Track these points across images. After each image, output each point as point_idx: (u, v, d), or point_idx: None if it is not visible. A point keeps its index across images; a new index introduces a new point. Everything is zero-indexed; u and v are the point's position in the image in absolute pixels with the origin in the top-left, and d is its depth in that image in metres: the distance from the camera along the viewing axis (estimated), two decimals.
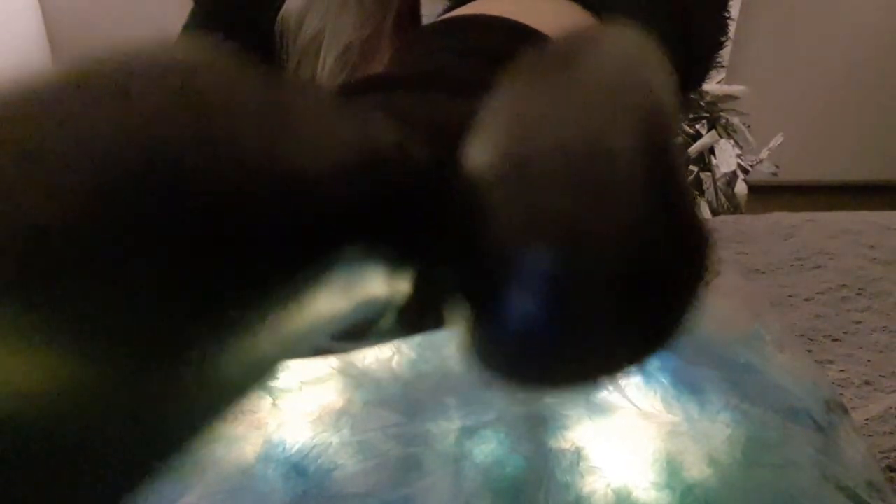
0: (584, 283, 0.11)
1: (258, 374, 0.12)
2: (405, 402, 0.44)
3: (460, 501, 0.38)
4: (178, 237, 0.10)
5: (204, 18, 0.63)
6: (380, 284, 0.14)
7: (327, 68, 0.59)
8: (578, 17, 0.28)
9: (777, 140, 1.41)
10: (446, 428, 0.42)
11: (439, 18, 0.26)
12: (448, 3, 0.31)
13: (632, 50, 0.15)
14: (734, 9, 1.90)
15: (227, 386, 0.12)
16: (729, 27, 0.42)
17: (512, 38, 0.23)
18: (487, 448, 0.41)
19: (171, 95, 0.10)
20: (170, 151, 0.10)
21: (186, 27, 0.64)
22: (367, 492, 0.39)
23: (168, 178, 0.10)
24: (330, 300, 0.12)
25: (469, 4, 0.28)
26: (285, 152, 0.11)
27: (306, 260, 0.12)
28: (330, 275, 0.12)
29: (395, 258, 0.14)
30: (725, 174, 1.29)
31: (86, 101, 0.10)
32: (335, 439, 0.42)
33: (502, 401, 0.44)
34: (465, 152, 0.13)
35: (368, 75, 0.20)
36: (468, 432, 0.42)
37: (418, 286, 0.15)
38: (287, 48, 0.61)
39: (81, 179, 0.09)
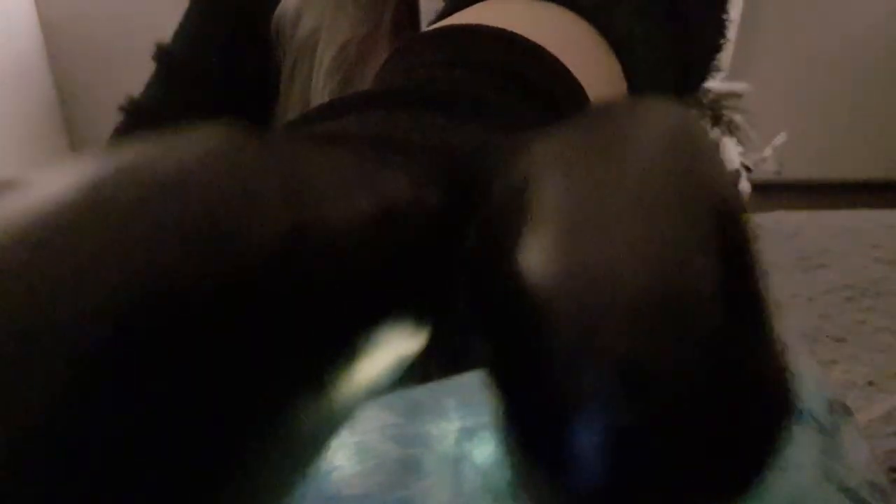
0: (660, 435, 0.10)
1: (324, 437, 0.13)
2: (404, 402, 0.44)
3: (459, 503, 0.38)
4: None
5: (200, 17, 0.63)
6: (411, 339, 0.13)
7: (324, 67, 0.59)
8: (577, 28, 0.27)
9: (780, 138, 1.41)
10: (445, 429, 0.42)
11: (433, 27, 0.25)
12: (445, 5, 0.29)
13: (684, 133, 0.13)
14: (737, 7, 1.89)
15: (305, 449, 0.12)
16: (728, 29, 0.41)
17: (510, 51, 0.22)
18: (487, 449, 0.41)
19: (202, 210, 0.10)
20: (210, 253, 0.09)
21: (183, 26, 0.64)
22: (365, 493, 0.39)
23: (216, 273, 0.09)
24: (374, 363, 0.12)
25: (464, 11, 0.27)
26: (313, 231, 0.11)
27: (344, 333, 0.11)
28: (371, 342, 0.12)
29: (421, 312, 0.13)
30: (728, 173, 1.29)
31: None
32: (333, 441, 0.42)
33: None
34: (514, 253, 0.11)
35: (360, 91, 0.18)
36: (467, 433, 0.42)
37: (443, 333, 0.14)
38: (283, 47, 0.61)
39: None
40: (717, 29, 0.40)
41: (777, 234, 0.70)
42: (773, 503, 0.38)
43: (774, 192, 1.73)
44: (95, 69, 2.10)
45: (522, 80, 0.21)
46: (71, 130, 2.18)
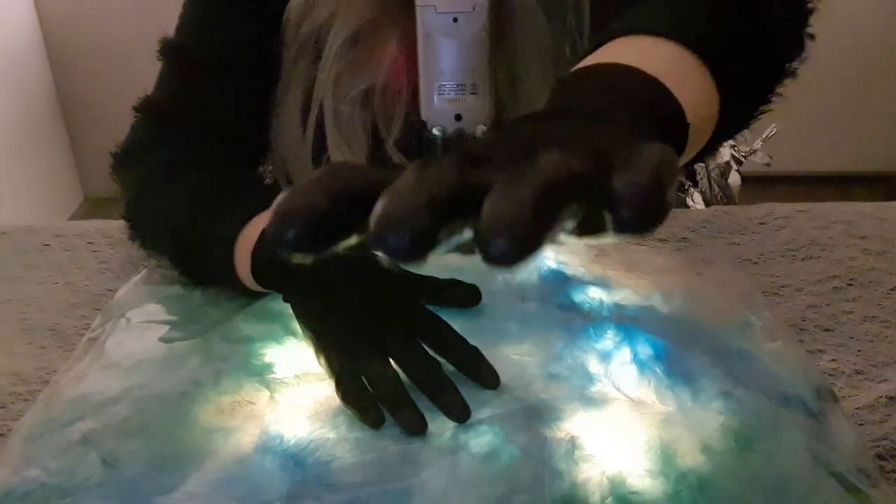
0: None
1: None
2: None
3: (457, 490, 0.39)
4: None
5: (208, 10, 0.63)
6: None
7: (333, 51, 0.59)
8: (683, 60, 0.36)
9: (770, 131, 1.42)
10: (442, 425, 0.42)
11: (583, 65, 0.35)
12: (589, 45, 0.38)
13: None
14: None
15: None
16: (806, 44, 0.47)
17: (634, 80, 0.33)
18: (483, 440, 0.42)
19: None
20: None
21: (187, 20, 0.64)
22: (364, 481, 0.39)
23: None
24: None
25: (604, 49, 0.37)
26: None
27: None
28: None
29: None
30: (719, 165, 1.30)
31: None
32: (332, 434, 0.42)
33: (498, 397, 0.44)
34: None
35: (544, 110, 0.31)
36: (464, 428, 0.42)
37: None
38: (288, 36, 0.61)
39: None
40: (796, 41, 0.46)
41: (766, 226, 0.70)
42: (763, 487, 0.39)
43: (764, 185, 1.74)
44: (94, 67, 2.09)
45: (638, 100, 0.32)
46: (70, 127, 2.17)
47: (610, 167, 0.22)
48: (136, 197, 0.62)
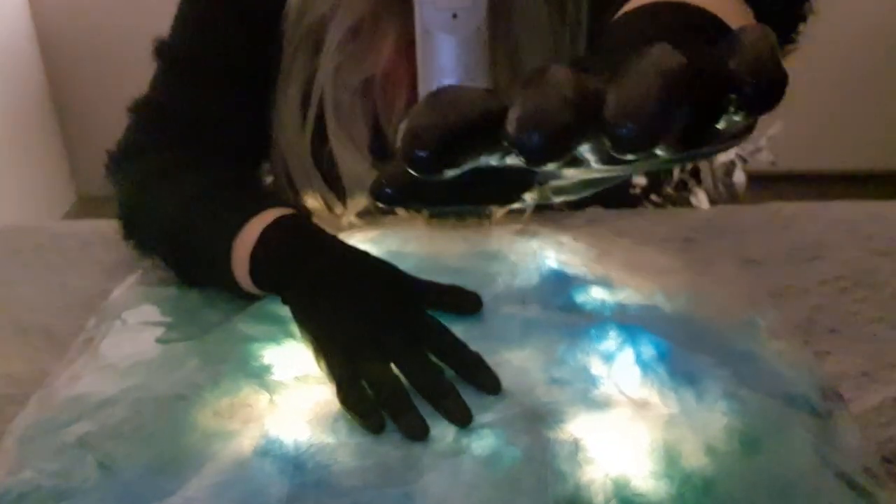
0: None
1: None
2: None
3: (460, 493, 0.38)
4: None
5: (203, 9, 0.63)
6: None
7: (335, 43, 0.59)
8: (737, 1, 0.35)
9: (775, 129, 1.41)
10: (444, 429, 0.42)
11: (630, 7, 0.33)
12: None
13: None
14: None
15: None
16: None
17: (685, 12, 0.31)
18: (485, 442, 0.41)
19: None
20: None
21: (182, 19, 0.63)
22: (364, 485, 0.39)
23: None
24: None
25: None
26: None
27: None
28: None
29: None
30: (724, 163, 1.29)
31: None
32: (332, 440, 0.42)
33: (500, 402, 0.44)
34: None
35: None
36: (466, 432, 0.42)
37: None
38: (285, 33, 0.61)
39: None
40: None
41: (772, 226, 0.70)
42: (768, 488, 0.38)
43: (770, 183, 1.73)
44: (88, 65, 2.09)
45: (704, 34, 0.30)
46: (64, 126, 2.17)
47: (720, 53, 0.22)
48: (130, 198, 0.61)
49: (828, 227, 0.70)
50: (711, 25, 0.31)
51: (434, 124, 0.22)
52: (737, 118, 0.22)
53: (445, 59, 0.55)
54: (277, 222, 0.53)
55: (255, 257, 0.52)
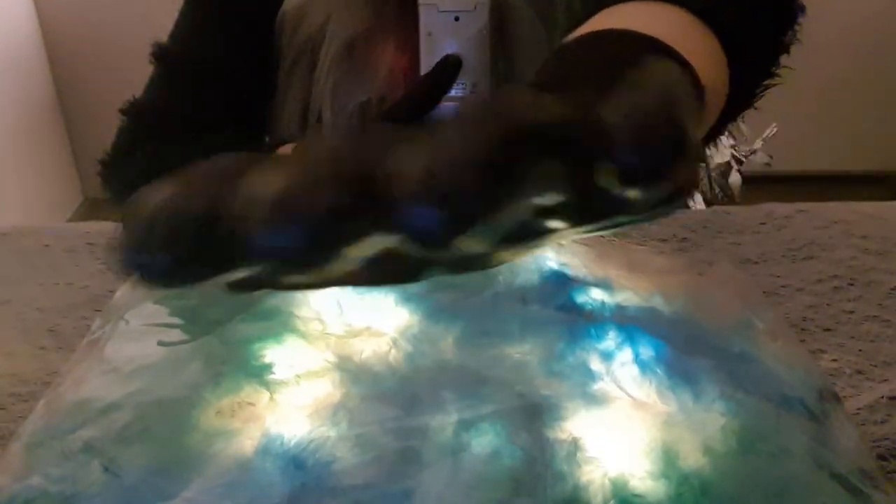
0: None
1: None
2: (402, 395, 0.45)
3: (459, 492, 0.38)
4: None
5: (200, 15, 0.63)
6: None
7: (330, 58, 0.59)
8: (684, 22, 0.32)
9: (771, 131, 1.42)
10: (443, 421, 0.42)
11: (579, 33, 0.30)
12: (584, 9, 0.35)
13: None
14: None
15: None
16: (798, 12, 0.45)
17: (631, 45, 0.27)
18: (485, 440, 0.41)
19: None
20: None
21: (181, 25, 0.64)
22: (365, 484, 0.39)
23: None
24: None
25: (597, 17, 0.32)
26: None
27: None
28: None
29: None
30: (720, 165, 1.29)
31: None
32: (333, 433, 0.42)
33: (499, 394, 0.44)
34: None
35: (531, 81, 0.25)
36: (465, 425, 0.42)
37: None
38: (283, 44, 0.61)
39: None
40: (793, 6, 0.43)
41: (767, 226, 0.70)
42: (765, 489, 0.39)
43: (765, 184, 1.74)
44: (94, 67, 2.09)
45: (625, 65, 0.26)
46: (70, 128, 2.17)
47: (596, 102, 0.16)
48: (125, 199, 0.62)
49: (823, 227, 0.70)
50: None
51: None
52: (630, 191, 0.16)
53: None
54: None
55: None
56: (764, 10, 0.39)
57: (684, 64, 0.27)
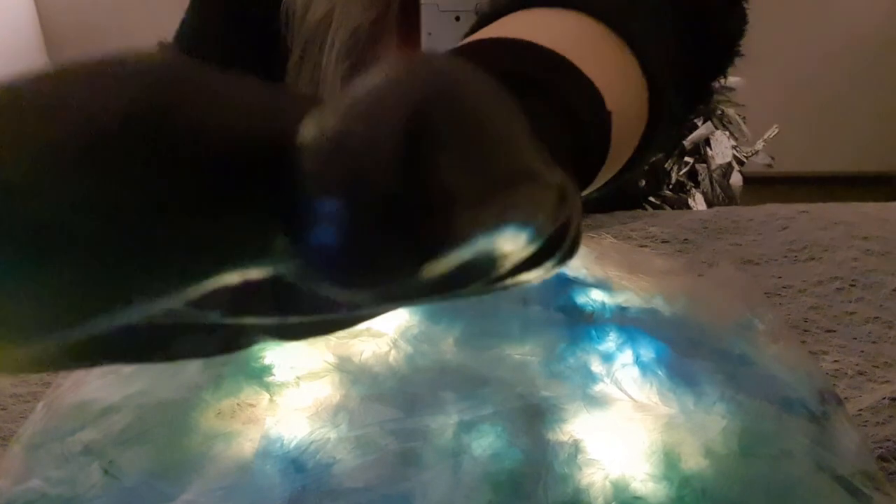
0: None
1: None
2: (402, 397, 0.45)
3: (459, 495, 0.38)
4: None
5: (207, 9, 0.63)
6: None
7: (336, 50, 0.59)
8: (592, 31, 0.29)
9: (772, 131, 1.42)
10: (444, 422, 0.42)
11: (468, 40, 0.27)
12: (477, 19, 0.32)
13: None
14: None
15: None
16: (747, 16, 0.42)
17: (523, 58, 0.25)
18: (486, 442, 0.41)
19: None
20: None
21: (188, 21, 0.64)
22: (365, 486, 0.39)
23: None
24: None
25: (494, 24, 0.29)
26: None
27: None
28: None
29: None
30: (721, 165, 1.29)
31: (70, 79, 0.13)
32: (333, 434, 0.42)
33: (499, 395, 0.44)
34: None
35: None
36: (466, 427, 0.42)
37: None
38: (292, 34, 0.61)
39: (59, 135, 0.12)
40: (739, 18, 0.42)
41: (768, 227, 0.70)
42: (766, 492, 0.39)
43: (766, 185, 1.74)
44: None
45: (526, 78, 0.24)
46: None
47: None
48: None
49: (824, 228, 0.70)
50: (556, 77, 0.24)
51: None
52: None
53: None
54: None
55: None
56: (698, 20, 0.36)
57: (583, 82, 0.25)
